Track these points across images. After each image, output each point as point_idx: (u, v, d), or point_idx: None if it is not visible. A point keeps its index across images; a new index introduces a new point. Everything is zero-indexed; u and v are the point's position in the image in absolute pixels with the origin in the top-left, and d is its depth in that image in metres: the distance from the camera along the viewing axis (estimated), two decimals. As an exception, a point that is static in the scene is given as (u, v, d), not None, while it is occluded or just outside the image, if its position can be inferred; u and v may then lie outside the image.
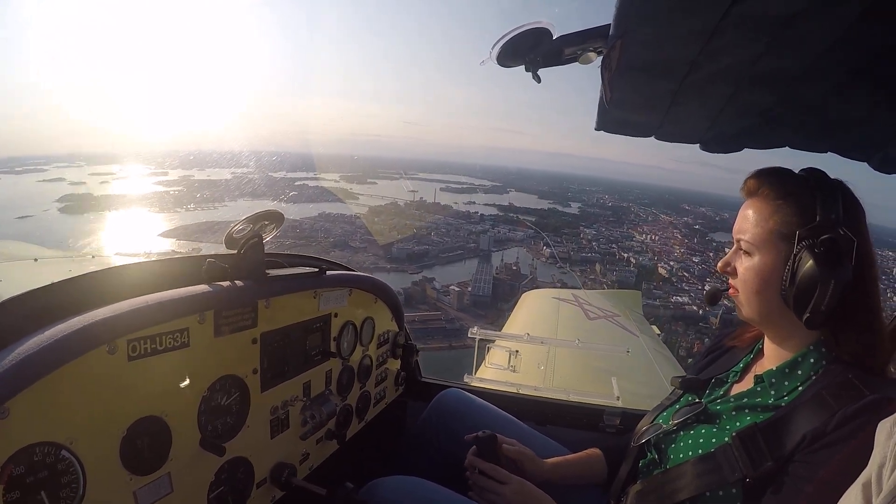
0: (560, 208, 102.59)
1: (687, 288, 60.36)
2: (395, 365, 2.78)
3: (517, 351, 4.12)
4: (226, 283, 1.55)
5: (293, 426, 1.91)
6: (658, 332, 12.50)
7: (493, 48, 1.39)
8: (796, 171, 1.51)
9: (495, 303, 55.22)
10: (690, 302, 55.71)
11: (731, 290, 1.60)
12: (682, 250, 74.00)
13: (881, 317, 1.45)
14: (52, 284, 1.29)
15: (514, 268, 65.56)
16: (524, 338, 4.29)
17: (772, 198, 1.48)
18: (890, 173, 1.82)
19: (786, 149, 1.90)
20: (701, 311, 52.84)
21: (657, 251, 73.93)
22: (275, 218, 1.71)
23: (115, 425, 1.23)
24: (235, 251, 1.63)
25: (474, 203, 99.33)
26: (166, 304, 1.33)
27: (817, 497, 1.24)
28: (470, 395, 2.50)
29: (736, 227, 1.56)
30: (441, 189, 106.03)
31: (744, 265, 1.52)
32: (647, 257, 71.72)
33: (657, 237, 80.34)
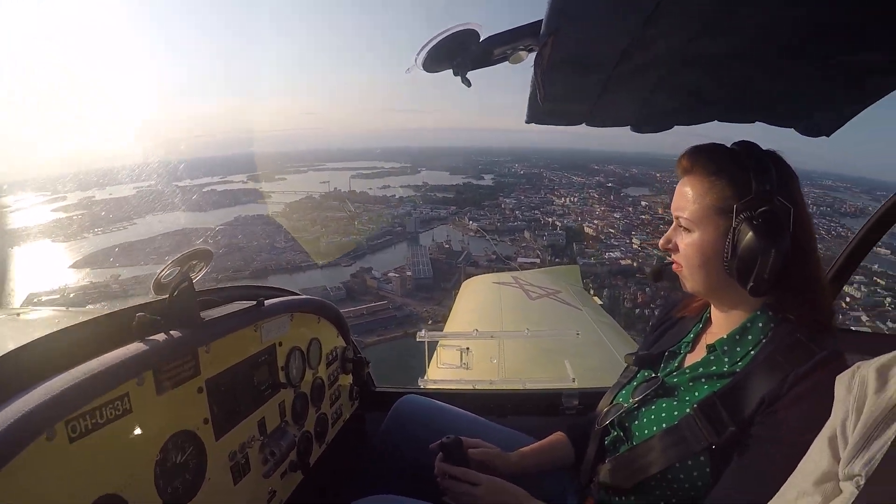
0: (475, 182, 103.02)
1: (616, 243, 62.90)
2: (346, 380, 2.70)
3: (468, 348, 4.11)
4: (160, 337, 1.44)
5: (255, 467, 1.81)
6: (599, 302, 12.87)
7: (418, 54, 1.32)
8: (728, 145, 1.54)
9: (438, 283, 55.33)
10: (623, 255, 58.09)
11: (674, 266, 1.64)
12: (602, 208, 76.64)
13: (821, 275, 1.53)
14: None
15: (447, 245, 65.82)
16: (473, 334, 4.28)
17: (706, 174, 1.52)
18: (817, 136, 1.92)
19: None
20: (636, 264, 55.20)
21: (579, 212, 76.18)
22: (203, 256, 1.62)
23: None
24: (166, 297, 1.52)
25: (389, 186, 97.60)
26: (99, 376, 1.21)
27: (781, 456, 1.28)
28: (427, 399, 2.47)
29: (674, 204, 1.60)
30: (353, 177, 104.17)
31: (685, 241, 1.56)
32: (570, 219, 73.79)
33: (576, 199, 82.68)
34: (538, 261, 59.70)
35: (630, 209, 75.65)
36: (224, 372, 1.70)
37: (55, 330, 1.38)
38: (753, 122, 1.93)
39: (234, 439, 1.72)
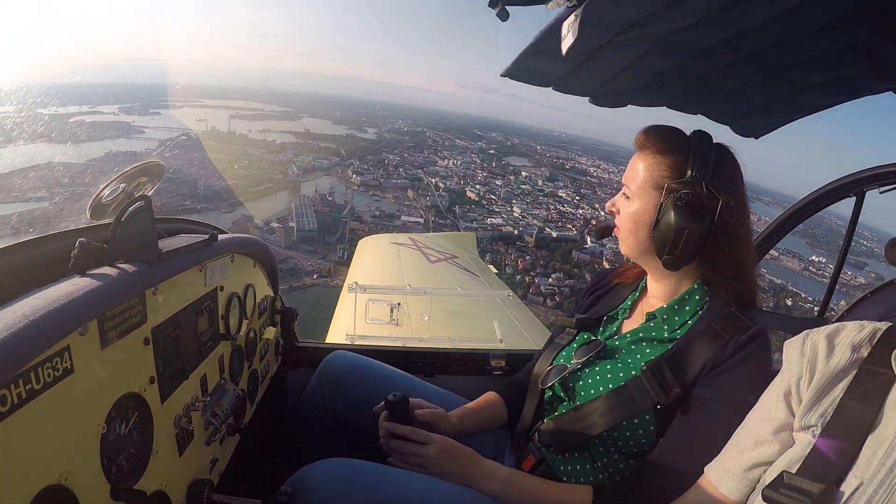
0: (357, 134, 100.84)
1: (498, 210, 64.66)
2: (270, 333, 2.43)
3: (399, 303, 4.02)
4: (108, 271, 1.14)
5: (198, 433, 1.55)
6: (495, 270, 13.20)
7: None
8: (684, 131, 1.69)
9: (322, 237, 53.64)
10: (504, 223, 59.93)
11: (615, 229, 1.80)
12: (484, 174, 78.24)
13: (748, 264, 1.70)
14: None
15: (330, 198, 63.89)
16: (406, 289, 4.19)
17: (653, 152, 1.68)
18: (747, 137, 2.21)
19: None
20: (517, 231, 57.25)
21: (462, 176, 77.18)
22: (155, 172, 1.33)
23: None
24: (112, 223, 1.21)
25: (270, 131, 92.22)
26: (40, 324, 0.89)
27: (723, 413, 1.45)
28: (359, 356, 2.32)
29: (625, 175, 1.76)
30: (231, 117, 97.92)
31: (625, 209, 1.73)
32: (454, 182, 74.60)
33: (459, 162, 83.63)
34: (422, 220, 60.15)
35: (511, 178, 77.90)
36: (170, 319, 1.41)
37: None
38: (696, 114, 2.09)
39: (180, 401, 1.46)
